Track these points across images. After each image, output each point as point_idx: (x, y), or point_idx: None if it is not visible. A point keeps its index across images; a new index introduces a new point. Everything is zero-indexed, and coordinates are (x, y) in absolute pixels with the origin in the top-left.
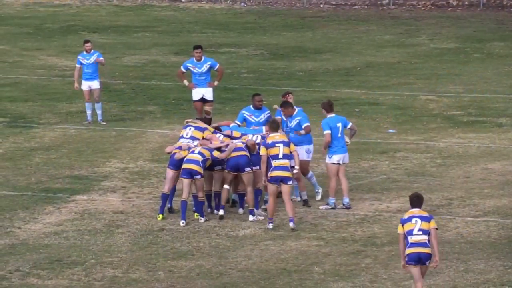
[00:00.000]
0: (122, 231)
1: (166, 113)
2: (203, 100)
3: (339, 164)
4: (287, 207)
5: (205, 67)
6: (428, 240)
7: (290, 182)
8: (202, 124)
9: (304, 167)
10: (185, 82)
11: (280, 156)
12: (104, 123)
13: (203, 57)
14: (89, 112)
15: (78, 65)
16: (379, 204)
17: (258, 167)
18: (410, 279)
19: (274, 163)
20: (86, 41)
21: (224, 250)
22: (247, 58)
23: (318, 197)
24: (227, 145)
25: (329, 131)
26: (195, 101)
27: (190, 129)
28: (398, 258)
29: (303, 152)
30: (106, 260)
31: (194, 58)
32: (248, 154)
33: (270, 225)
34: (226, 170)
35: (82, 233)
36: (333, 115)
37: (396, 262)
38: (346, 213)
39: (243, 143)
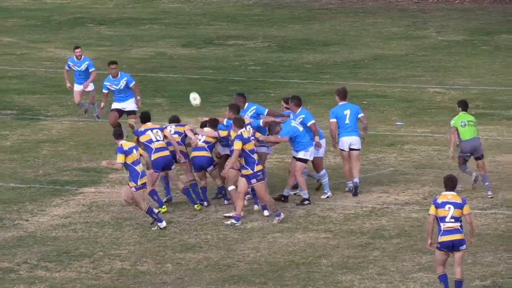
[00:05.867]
0: (130, 224)
1: (173, 106)
2: (122, 112)
3: (349, 149)
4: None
5: (122, 84)
6: (461, 226)
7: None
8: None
9: (317, 163)
10: (102, 104)
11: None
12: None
13: (119, 72)
14: (79, 111)
15: (67, 68)
16: (387, 197)
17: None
18: (419, 272)
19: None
20: (76, 47)
21: (232, 242)
22: (255, 50)
23: (323, 197)
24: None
25: (334, 120)
26: (111, 110)
27: (171, 126)
28: (406, 251)
29: (312, 148)
30: (114, 252)
31: (110, 76)
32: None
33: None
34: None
35: (90, 225)
36: (344, 102)
37: (404, 254)
38: (354, 205)
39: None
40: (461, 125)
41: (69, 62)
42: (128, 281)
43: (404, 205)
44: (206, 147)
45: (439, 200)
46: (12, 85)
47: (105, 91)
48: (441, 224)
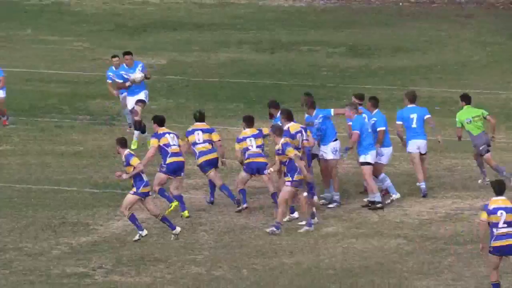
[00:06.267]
0: (205, 229)
1: (248, 111)
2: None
3: (419, 153)
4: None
5: (137, 71)
6: None
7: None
8: (208, 126)
9: (377, 169)
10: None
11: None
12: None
13: (133, 62)
14: (129, 116)
15: (109, 81)
16: (461, 202)
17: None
18: None
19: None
20: (114, 56)
21: (307, 248)
22: (328, 56)
23: (387, 201)
24: None
25: (400, 122)
26: (130, 111)
27: (198, 133)
28: (481, 257)
29: (374, 152)
30: (189, 257)
31: (124, 65)
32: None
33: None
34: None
35: (164, 230)
36: (412, 106)
37: (478, 260)
38: (428, 211)
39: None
40: (467, 122)
41: (109, 73)
42: (203, 286)
43: (478, 211)
44: (261, 152)
45: (491, 206)
46: (86, 90)
47: (119, 80)
48: (494, 230)
